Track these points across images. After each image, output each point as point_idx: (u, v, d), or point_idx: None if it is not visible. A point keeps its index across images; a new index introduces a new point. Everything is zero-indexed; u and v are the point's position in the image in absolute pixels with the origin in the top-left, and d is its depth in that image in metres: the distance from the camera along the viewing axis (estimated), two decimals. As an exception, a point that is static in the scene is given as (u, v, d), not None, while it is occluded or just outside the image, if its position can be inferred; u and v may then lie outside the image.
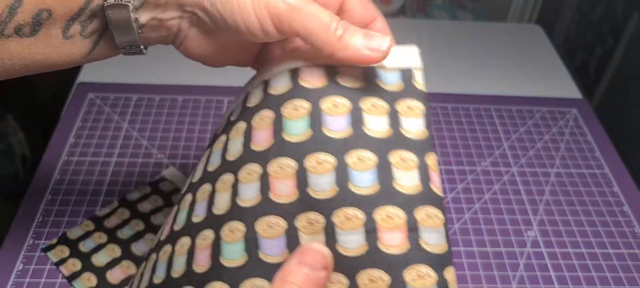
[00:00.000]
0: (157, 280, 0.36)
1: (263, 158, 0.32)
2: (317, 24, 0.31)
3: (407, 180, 0.30)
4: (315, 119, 0.31)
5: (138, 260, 0.50)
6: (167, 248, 0.36)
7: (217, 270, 0.32)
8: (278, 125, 0.32)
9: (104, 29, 0.33)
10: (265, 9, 0.31)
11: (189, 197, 0.36)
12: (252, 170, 0.32)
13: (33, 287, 0.48)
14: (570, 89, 0.77)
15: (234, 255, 0.31)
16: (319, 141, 0.31)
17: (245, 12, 0.31)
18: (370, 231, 0.30)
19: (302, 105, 0.32)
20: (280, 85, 0.33)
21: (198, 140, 0.64)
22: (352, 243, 0.30)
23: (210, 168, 0.35)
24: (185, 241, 0.34)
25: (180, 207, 0.37)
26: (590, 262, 0.54)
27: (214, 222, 0.33)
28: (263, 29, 0.32)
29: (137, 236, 0.52)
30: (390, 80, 0.33)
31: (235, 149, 0.34)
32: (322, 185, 0.30)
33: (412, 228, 0.30)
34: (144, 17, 0.33)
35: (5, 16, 0.30)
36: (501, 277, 0.52)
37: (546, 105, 0.73)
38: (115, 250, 0.51)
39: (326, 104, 0.32)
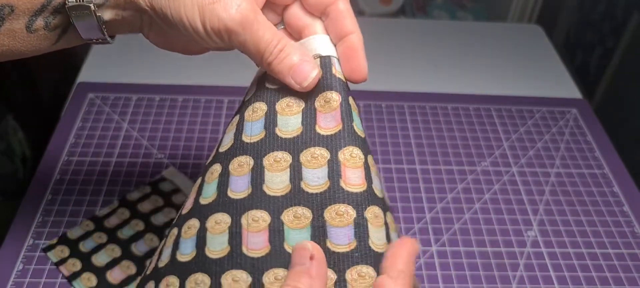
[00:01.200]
0: (183, 257, 0.33)
1: (332, 143, 0.33)
2: (254, 49, 0.32)
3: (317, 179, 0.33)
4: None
5: (138, 260, 0.50)
6: (194, 222, 0.34)
7: (279, 256, 0.31)
8: (347, 116, 0.33)
9: (68, 24, 0.33)
10: (209, 25, 0.31)
11: (218, 168, 0.35)
12: (318, 154, 0.33)
13: (33, 287, 0.49)
14: (570, 89, 0.77)
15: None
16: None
17: (193, 23, 0.31)
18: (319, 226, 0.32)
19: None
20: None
21: (198, 140, 0.64)
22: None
23: (246, 140, 0.34)
24: (220, 218, 0.33)
25: (205, 179, 0.35)
26: (590, 262, 0.54)
27: (269, 204, 0.32)
28: (212, 40, 0.32)
29: (137, 236, 0.52)
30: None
31: (291, 127, 0.34)
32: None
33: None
34: (106, 14, 0.33)
35: None
36: (501, 277, 0.52)
37: (546, 105, 0.73)
38: (115, 250, 0.51)
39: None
